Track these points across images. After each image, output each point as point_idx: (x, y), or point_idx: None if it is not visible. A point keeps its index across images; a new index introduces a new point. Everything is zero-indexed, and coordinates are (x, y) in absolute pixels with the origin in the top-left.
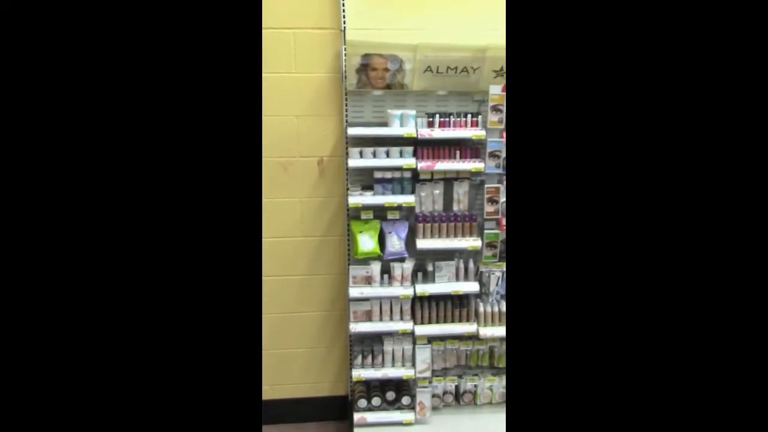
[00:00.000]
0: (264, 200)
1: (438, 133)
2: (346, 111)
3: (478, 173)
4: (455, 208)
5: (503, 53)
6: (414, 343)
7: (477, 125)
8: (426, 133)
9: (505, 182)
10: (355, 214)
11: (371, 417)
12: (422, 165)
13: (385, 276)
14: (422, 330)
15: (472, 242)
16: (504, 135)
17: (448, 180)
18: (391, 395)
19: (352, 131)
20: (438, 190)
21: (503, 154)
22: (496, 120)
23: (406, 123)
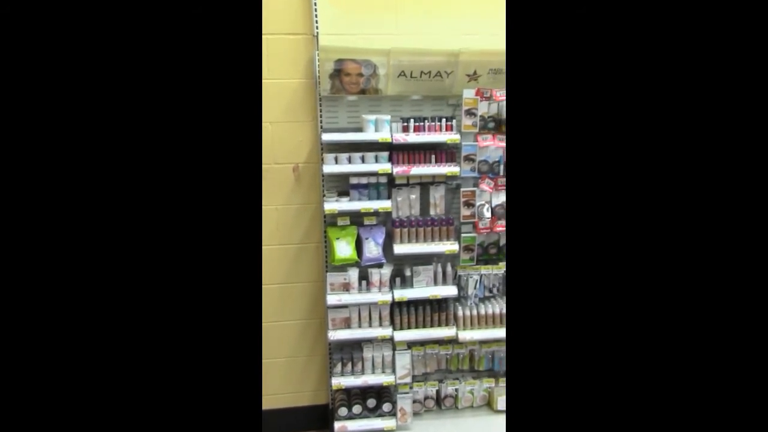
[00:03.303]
0: None
1: (413, 137)
2: (321, 117)
3: (453, 177)
4: (432, 212)
5: (476, 57)
6: (394, 348)
7: (452, 129)
8: (401, 137)
9: (480, 185)
10: (331, 221)
11: (352, 425)
12: (398, 170)
13: (363, 282)
14: (401, 335)
15: (449, 246)
16: (478, 138)
17: (424, 184)
18: (372, 402)
19: (327, 137)
20: (414, 195)
21: (478, 158)
22: (470, 124)
23: (380, 128)
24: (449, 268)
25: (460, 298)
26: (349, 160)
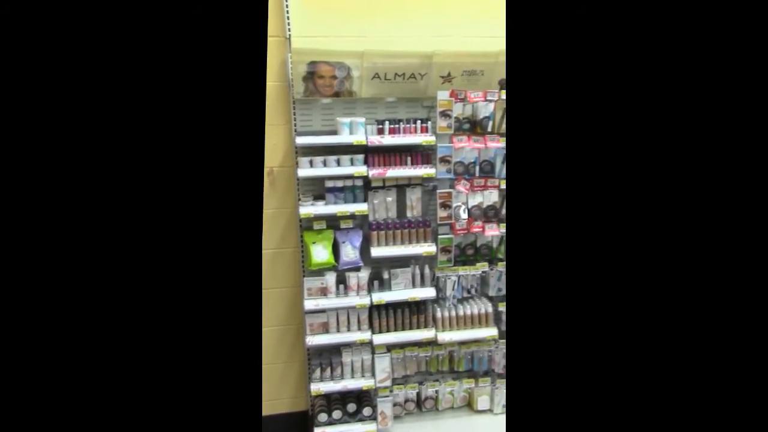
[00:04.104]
0: None
1: (388, 139)
2: (295, 120)
3: (429, 179)
4: (409, 214)
5: (449, 59)
6: (373, 352)
7: (427, 131)
8: (376, 140)
9: (456, 187)
10: (307, 225)
11: (333, 431)
12: (374, 172)
13: (341, 286)
14: (380, 339)
15: (427, 248)
16: (454, 140)
17: (401, 187)
18: (352, 407)
19: (301, 140)
20: (391, 197)
21: (454, 159)
22: (445, 125)
23: (355, 131)
24: (427, 270)
25: (439, 300)
26: (325, 164)
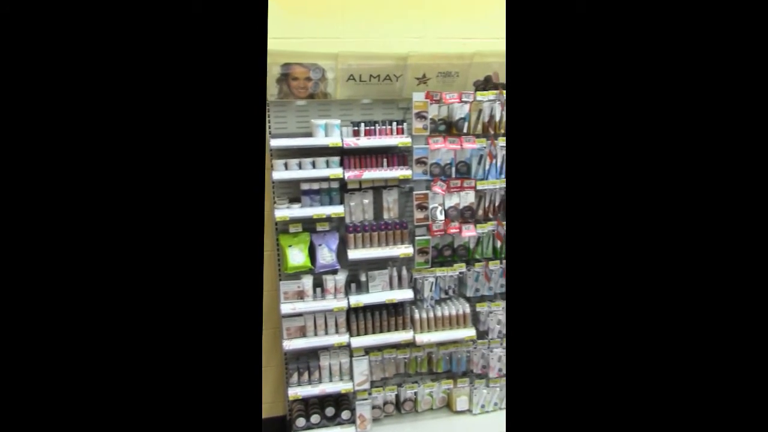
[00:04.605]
0: None
1: (364, 141)
2: (269, 122)
3: (406, 180)
4: (385, 216)
5: (424, 61)
6: (351, 355)
7: (403, 132)
8: (352, 142)
9: (433, 188)
10: (283, 228)
11: None
12: (350, 174)
13: (318, 289)
14: (358, 342)
15: (404, 250)
16: (429, 141)
17: (377, 188)
18: (330, 411)
19: (276, 143)
20: (367, 200)
21: (430, 160)
22: (421, 127)
23: (331, 133)
24: (404, 272)
25: (417, 301)
26: (300, 166)
